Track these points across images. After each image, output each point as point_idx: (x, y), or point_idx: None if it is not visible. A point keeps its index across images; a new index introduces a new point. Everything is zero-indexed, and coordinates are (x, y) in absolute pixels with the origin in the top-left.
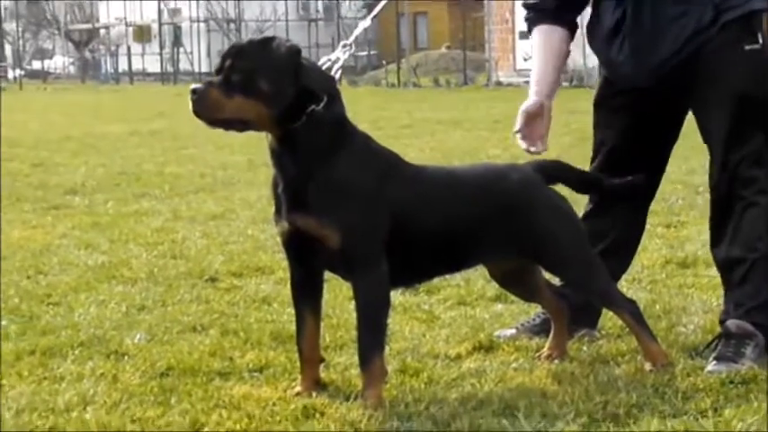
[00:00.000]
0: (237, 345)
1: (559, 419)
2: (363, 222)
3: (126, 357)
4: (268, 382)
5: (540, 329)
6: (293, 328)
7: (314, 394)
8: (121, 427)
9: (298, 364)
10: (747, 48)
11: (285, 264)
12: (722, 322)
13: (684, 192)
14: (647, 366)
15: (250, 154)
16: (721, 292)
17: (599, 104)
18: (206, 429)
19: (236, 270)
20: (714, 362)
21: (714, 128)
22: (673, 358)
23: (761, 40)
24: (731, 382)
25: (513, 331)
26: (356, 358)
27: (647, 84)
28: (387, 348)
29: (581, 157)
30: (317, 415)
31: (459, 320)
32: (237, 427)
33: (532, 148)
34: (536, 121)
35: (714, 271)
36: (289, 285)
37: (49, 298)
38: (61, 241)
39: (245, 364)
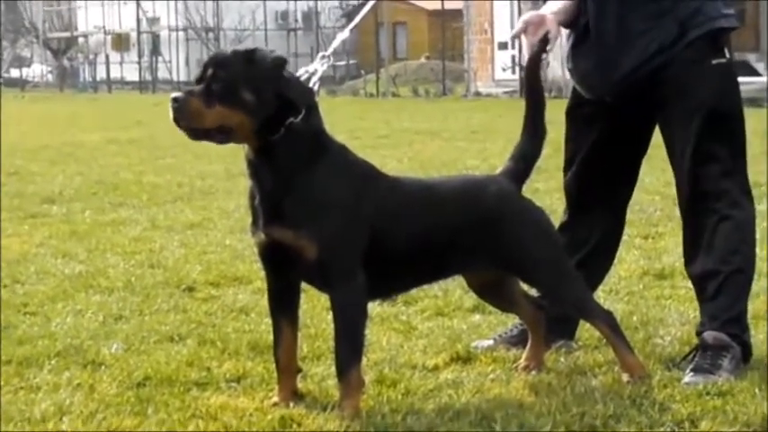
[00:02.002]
0: (215, 355)
1: (536, 431)
2: (340, 235)
3: (103, 367)
4: (245, 393)
5: (518, 340)
6: (271, 338)
7: (291, 405)
8: None
9: (275, 374)
10: (714, 62)
11: (263, 274)
12: (699, 334)
13: (662, 203)
14: (625, 378)
15: (228, 163)
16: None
17: (570, 114)
18: None
19: (213, 280)
20: (691, 373)
21: (681, 142)
22: (650, 369)
23: (727, 55)
24: (708, 393)
25: (491, 342)
26: (333, 369)
27: (609, 96)
28: (364, 359)
29: (556, 168)
30: (294, 425)
31: (437, 331)
32: None
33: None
34: (537, 30)
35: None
36: (266, 295)
37: (25, 307)
38: (38, 250)
39: (222, 375)
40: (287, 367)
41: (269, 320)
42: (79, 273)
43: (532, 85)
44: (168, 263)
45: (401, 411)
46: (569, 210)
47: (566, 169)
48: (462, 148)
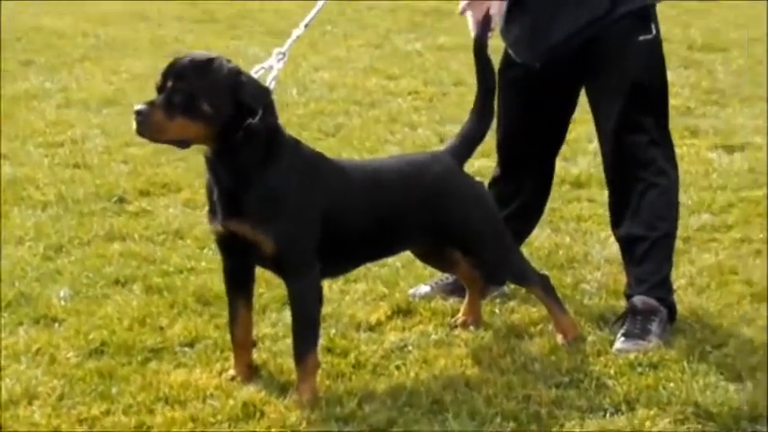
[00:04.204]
0: (164, 309)
1: (487, 422)
2: (296, 229)
3: (56, 324)
4: (201, 361)
5: (454, 288)
6: (214, 285)
7: (251, 387)
8: (71, 428)
9: (226, 337)
10: (641, 38)
11: (189, 181)
12: (628, 297)
13: None
14: (560, 339)
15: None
16: None
17: (501, 74)
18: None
19: (142, 187)
20: (622, 338)
21: (608, 112)
22: (582, 329)
23: (653, 31)
24: (640, 364)
25: (428, 289)
26: (281, 327)
27: (537, 63)
28: None
29: None
30: (257, 414)
31: (374, 270)
32: (183, 430)
33: (475, 33)
34: (481, 6)
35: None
36: (222, 276)
37: None
38: None
39: (175, 337)
40: (243, 343)
41: (207, 251)
42: (9, 180)
43: (482, 66)
44: (93, 162)
45: (356, 394)
46: (500, 165)
47: (498, 126)
48: None
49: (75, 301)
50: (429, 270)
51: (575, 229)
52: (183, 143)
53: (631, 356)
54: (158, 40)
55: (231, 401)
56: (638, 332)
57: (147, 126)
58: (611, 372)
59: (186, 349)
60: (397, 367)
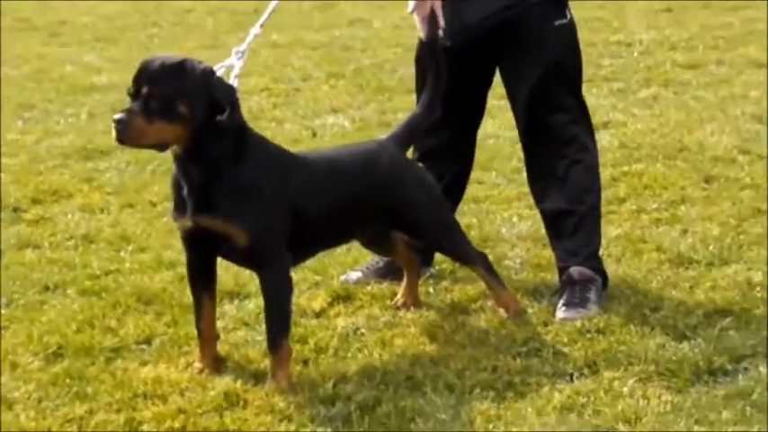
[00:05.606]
0: (107, 310)
1: (466, 394)
2: (268, 222)
3: (3, 332)
4: (162, 357)
5: (386, 271)
6: (147, 284)
7: (224, 378)
8: (61, 429)
9: (178, 331)
10: (557, 23)
11: (77, 187)
12: (562, 269)
13: None
14: (502, 313)
15: None
16: (516, 204)
17: (418, 60)
18: (144, 428)
19: (33, 196)
20: (563, 308)
21: (526, 94)
22: (522, 303)
23: (568, 15)
24: (588, 330)
25: (360, 275)
26: (229, 320)
27: (452, 42)
28: (252, 306)
29: None
30: (241, 402)
31: None
32: (176, 424)
33: (424, 32)
34: (424, 5)
35: (500, 180)
36: (186, 272)
37: None
38: None
39: (130, 337)
40: (209, 336)
41: (125, 254)
42: None
43: (434, 62)
44: None
45: (329, 377)
46: (420, 147)
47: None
48: None
49: (12, 308)
50: (351, 256)
51: (476, 210)
52: (162, 146)
53: (577, 324)
54: None
55: (211, 392)
56: (577, 301)
57: (128, 133)
58: (565, 339)
59: (144, 347)
60: (359, 350)
